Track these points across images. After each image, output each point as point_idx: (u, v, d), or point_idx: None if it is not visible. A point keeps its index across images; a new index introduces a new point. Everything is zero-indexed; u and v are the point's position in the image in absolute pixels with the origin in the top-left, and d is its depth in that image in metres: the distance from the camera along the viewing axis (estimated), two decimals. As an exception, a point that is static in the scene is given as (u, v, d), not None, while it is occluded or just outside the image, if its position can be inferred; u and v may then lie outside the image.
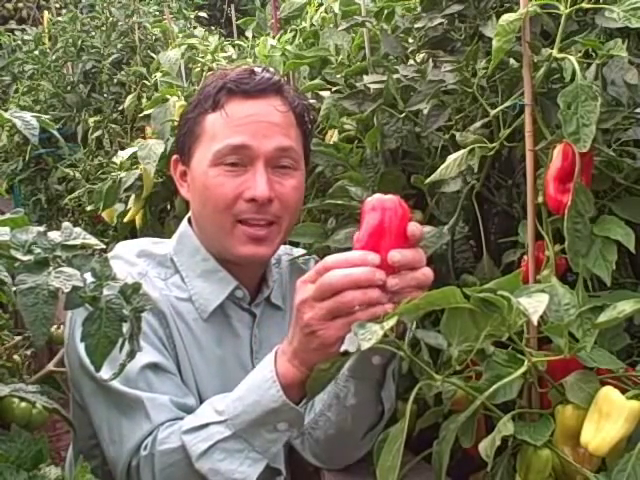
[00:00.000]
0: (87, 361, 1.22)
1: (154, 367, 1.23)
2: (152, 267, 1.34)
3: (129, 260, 1.33)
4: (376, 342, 0.87)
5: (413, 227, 1.02)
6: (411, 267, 1.01)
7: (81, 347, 1.24)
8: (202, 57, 2.41)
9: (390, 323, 0.88)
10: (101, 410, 1.24)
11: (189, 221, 1.39)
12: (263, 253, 1.31)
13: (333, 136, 1.65)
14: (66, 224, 0.87)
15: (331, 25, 1.82)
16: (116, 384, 1.18)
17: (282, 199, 1.28)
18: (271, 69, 1.37)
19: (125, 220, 2.22)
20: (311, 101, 1.60)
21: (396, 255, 1.00)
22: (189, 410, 1.21)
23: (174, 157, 1.41)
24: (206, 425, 1.13)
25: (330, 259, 1.03)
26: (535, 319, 0.82)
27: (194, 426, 1.14)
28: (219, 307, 1.33)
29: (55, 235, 0.83)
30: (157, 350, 1.25)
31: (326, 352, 1.04)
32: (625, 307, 0.89)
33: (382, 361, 1.17)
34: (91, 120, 3.50)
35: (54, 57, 3.98)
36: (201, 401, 1.25)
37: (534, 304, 0.83)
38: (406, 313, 0.90)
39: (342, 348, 1.04)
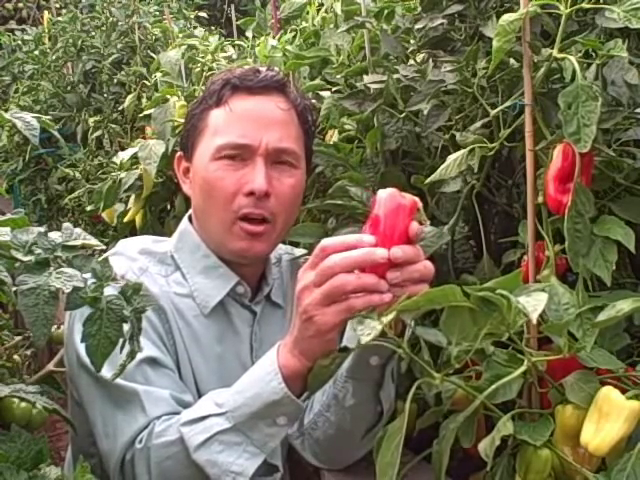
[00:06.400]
0: (84, 354, 1.24)
1: (152, 362, 1.23)
2: (153, 264, 1.34)
3: (130, 256, 1.34)
4: (375, 337, 0.87)
5: (414, 227, 1.02)
6: (412, 262, 1.02)
7: (78, 341, 1.26)
8: (202, 57, 2.40)
9: (389, 318, 0.88)
10: (96, 404, 1.24)
11: (189, 219, 1.40)
12: (258, 249, 1.31)
13: (333, 136, 1.65)
14: (66, 225, 0.87)
15: (331, 25, 1.82)
16: None
17: (279, 196, 1.29)
18: (276, 68, 1.39)
19: (125, 220, 2.22)
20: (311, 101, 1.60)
21: (398, 252, 1.00)
22: (186, 406, 1.21)
23: (178, 154, 1.43)
24: (205, 417, 1.14)
25: (327, 241, 1.02)
26: (534, 318, 0.82)
27: (193, 418, 1.14)
28: (220, 304, 1.33)
29: (56, 235, 0.84)
30: (155, 345, 1.25)
31: (323, 340, 1.04)
32: (623, 306, 0.89)
33: (380, 362, 1.17)
34: (91, 120, 3.50)
35: (54, 57, 3.97)
36: (199, 398, 1.24)
37: (533, 303, 0.83)
38: (406, 310, 0.90)
39: (342, 344, 1.05)
